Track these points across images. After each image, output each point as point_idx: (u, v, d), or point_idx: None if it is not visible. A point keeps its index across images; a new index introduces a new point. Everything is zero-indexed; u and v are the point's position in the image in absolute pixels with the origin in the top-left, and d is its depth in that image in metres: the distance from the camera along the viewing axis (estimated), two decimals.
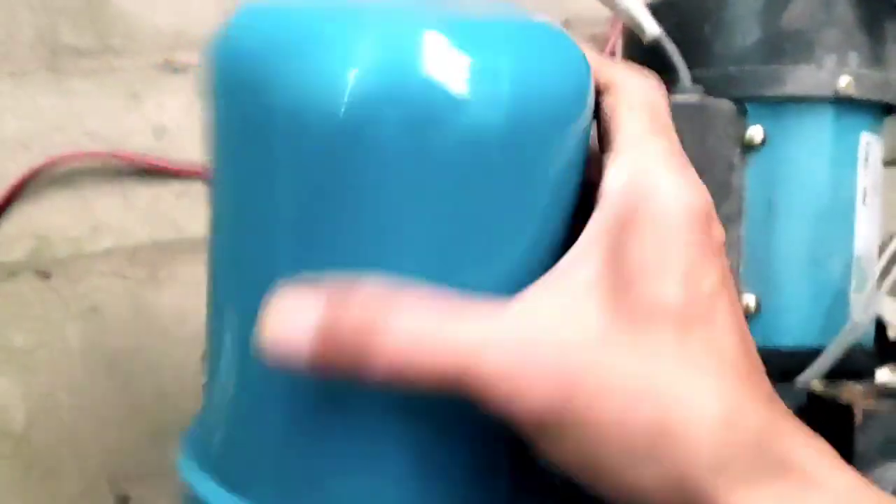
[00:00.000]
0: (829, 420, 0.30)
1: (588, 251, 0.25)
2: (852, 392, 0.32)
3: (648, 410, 0.22)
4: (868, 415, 0.29)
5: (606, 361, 0.23)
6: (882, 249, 0.41)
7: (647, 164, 0.26)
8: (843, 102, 0.39)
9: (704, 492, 0.22)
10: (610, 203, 0.25)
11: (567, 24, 0.60)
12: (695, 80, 0.39)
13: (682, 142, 0.37)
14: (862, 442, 0.29)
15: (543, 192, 0.26)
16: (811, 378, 0.38)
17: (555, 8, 0.61)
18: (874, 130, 0.41)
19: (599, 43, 0.61)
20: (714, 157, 0.38)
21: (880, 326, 0.58)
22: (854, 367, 0.41)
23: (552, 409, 0.22)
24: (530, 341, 0.23)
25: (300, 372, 0.23)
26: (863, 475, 0.29)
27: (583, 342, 0.23)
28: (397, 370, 0.22)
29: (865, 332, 0.41)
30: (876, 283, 0.38)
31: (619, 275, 0.24)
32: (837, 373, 0.39)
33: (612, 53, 0.51)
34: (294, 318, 0.22)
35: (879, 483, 0.28)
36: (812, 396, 0.32)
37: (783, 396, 0.35)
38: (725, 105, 0.38)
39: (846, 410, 0.29)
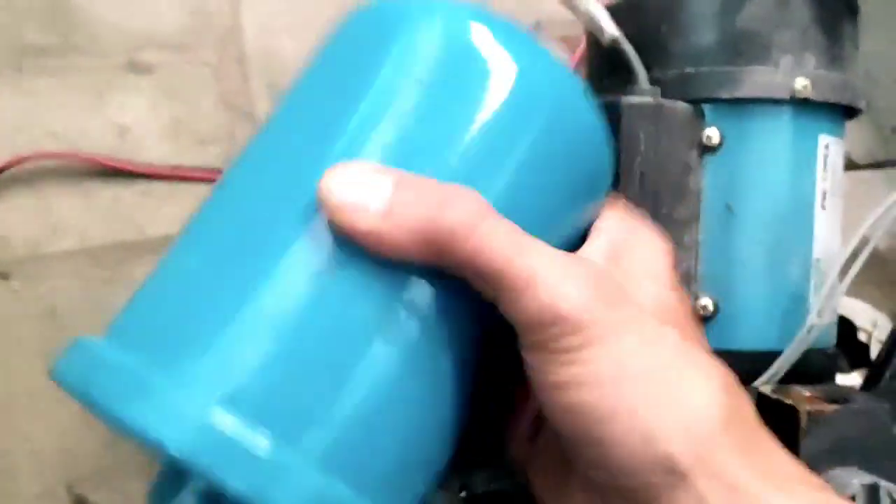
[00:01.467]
0: (776, 423, 0.30)
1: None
2: (800, 395, 0.31)
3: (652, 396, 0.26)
4: (813, 417, 0.29)
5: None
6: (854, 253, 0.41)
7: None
8: (800, 104, 0.38)
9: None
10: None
11: (538, 25, 0.60)
12: (653, 80, 0.39)
13: (638, 143, 0.37)
14: (807, 445, 0.29)
15: None
16: (769, 381, 0.38)
17: (526, 10, 0.61)
18: (834, 133, 0.40)
19: (570, 45, 0.61)
20: (670, 159, 0.38)
21: (849, 329, 0.58)
22: (814, 370, 0.41)
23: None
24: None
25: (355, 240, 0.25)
26: None
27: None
28: (471, 267, 0.25)
29: (825, 335, 0.40)
30: (833, 286, 0.38)
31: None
32: (797, 376, 0.39)
33: (582, 56, 0.50)
34: (364, 190, 0.25)
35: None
36: (761, 399, 0.31)
37: None
38: (681, 107, 0.38)
39: (792, 413, 0.29)
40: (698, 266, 0.39)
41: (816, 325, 0.38)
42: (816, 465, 0.29)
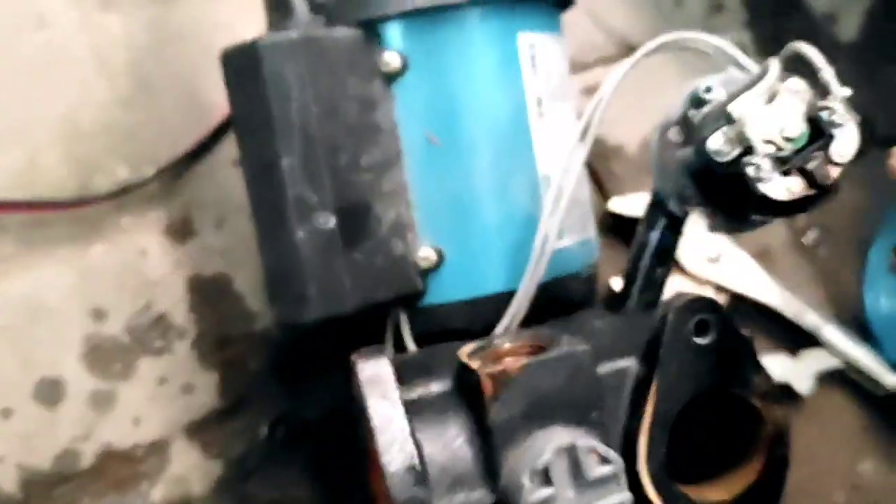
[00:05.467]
0: (470, 391, 0.25)
1: None
2: (500, 351, 0.26)
3: None
4: (499, 381, 0.24)
5: None
6: None
7: None
8: (485, 3, 0.33)
9: None
10: None
11: None
12: (314, 7, 0.33)
13: (288, 89, 0.31)
14: (497, 412, 0.24)
15: None
16: (510, 324, 0.33)
17: None
18: (540, 28, 0.35)
19: None
20: (343, 97, 0.32)
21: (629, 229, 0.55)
22: (568, 298, 0.36)
23: None
24: None
25: None
26: (504, 451, 0.24)
27: None
28: None
29: (574, 258, 0.36)
30: (558, 202, 0.33)
31: None
32: (553, 308, 0.35)
33: None
34: None
35: (523, 461, 0.23)
36: (459, 366, 0.26)
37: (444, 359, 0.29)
38: (343, 34, 0.32)
39: (476, 379, 0.24)
40: (411, 213, 0.34)
41: (554, 251, 0.33)
42: (512, 433, 0.24)
